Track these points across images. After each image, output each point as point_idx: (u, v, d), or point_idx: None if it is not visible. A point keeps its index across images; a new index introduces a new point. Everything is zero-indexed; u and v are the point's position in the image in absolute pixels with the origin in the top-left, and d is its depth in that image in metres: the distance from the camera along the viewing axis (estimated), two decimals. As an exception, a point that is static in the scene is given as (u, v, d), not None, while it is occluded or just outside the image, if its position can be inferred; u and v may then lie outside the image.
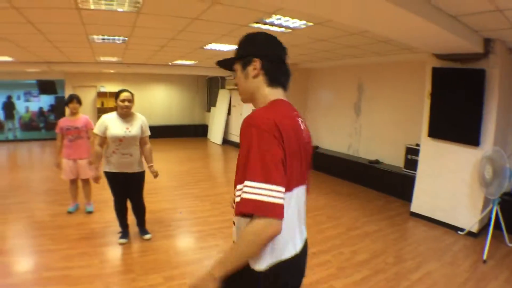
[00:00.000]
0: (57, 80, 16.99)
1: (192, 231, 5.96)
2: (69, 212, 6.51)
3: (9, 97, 18.92)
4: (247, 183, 1.55)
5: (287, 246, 1.75)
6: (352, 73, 9.77)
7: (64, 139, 6.24)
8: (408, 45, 5.97)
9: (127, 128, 4.91)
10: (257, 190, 1.52)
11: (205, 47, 8.25)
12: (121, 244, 5.30)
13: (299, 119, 1.87)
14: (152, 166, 5.21)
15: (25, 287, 4.12)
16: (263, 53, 1.85)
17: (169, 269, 4.61)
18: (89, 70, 14.37)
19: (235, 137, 15.16)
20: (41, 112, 20.77)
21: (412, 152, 7.71)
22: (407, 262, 4.96)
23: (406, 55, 7.63)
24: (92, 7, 4.70)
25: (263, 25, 5.76)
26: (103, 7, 4.76)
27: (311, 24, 5.57)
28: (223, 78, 15.85)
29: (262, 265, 1.70)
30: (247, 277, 1.72)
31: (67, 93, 16.42)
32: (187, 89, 18.27)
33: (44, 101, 21.17)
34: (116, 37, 7.13)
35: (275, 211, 1.52)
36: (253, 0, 4.42)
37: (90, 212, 6.56)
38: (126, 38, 7.16)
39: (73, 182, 6.51)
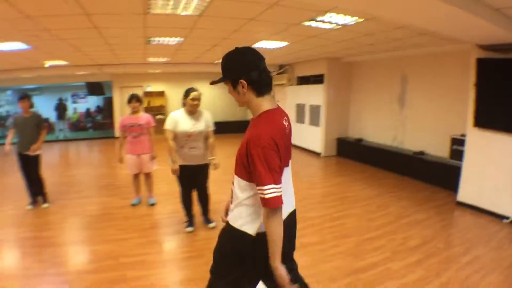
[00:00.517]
0: (104, 81, 17.53)
1: (253, 220, 6.20)
2: (133, 205, 6.94)
3: (61, 99, 19.65)
4: (265, 186, 2.17)
5: (285, 209, 2.33)
6: (395, 66, 9.77)
7: (127, 136, 6.62)
8: (452, 37, 6.07)
9: (194, 124, 5.25)
10: (273, 191, 2.16)
11: (253, 45, 8.46)
12: (188, 232, 5.66)
13: (284, 119, 2.45)
14: (214, 158, 5.50)
15: (107, 272, 4.49)
16: (247, 73, 2.28)
17: None
18: (135, 71, 14.83)
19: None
20: (88, 113, 21.50)
21: (457, 143, 7.71)
22: (456, 247, 5.11)
23: (449, 46, 7.65)
24: (158, 11, 5.02)
25: (314, 23, 5.94)
26: (168, 11, 5.05)
27: (361, 20, 5.70)
28: (266, 73, 15.87)
29: (260, 230, 2.37)
30: (251, 242, 2.40)
31: (115, 94, 17.02)
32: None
33: (91, 103, 21.89)
34: (172, 39, 7.44)
35: (281, 201, 2.19)
36: (310, 0, 4.62)
37: (152, 204, 6.95)
38: (182, 39, 7.46)
39: (136, 176, 6.92)
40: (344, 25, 6.14)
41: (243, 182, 2.37)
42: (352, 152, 11.29)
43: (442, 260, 4.70)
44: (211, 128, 5.48)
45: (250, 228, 2.39)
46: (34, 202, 7.03)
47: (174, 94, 17.35)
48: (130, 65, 13.03)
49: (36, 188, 6.94)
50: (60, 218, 6.36)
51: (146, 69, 13.99)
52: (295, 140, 13.58)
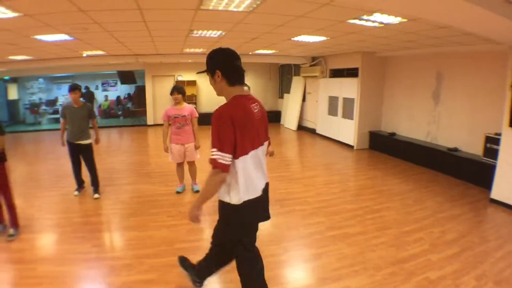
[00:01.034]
0: (136, 70, 17.74)
1: (296, 210, 6.40)
2: (178, 192, 7.20)
3: (87, 88, 20.11)
4: (212, 149, 2.74)
5: (257, 188, 3.03)
6: (431, 62, 9.69)
7: (171, 126, 6.84)
8: (489, 38, 6.04)
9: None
10: (215, 154, 2.72)
11: (293, 39, 8.54)
12: None
13: (253, 105, 3.01)
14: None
15: (164, 257, 4.71)
16: (221, 65, 2.91)
17: (285, 242, 5.19)
18: (169, 61, 14.95)
19: (310, 123, 15.36)
20: (118, 100, 21.79)
21: (491, 141, 7.66)
22: (491, 242, 5.21)
23: (486, 45, 7.59)
24: (210, 8, 5.13)
25: (359, 21, 5.99)
26: (221, 8, 5.16)
27: (405, 20, 5.73)
28: (297, 66, 15.90)
29: (237, 201, 2.92)
30: (230, 209, 2.97)
31: (147, 83, 17.25)
32: (260, 76, 18.62)
33: (121, 90, 22.16)
34: (215, 32, 7.54)
35: (222, 167, 2.73)
36: (359, 1, 4.70)
37: (197, 191, 7.16)
38: (224, 33, 7.56)
39: (180, 165, 7.16)
40: (387, 24, 6.16)
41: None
42: (384, 146, 11.30)
43: (477, 254, 4.85)
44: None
45: (227, 197, 2.98)
46: (80, 189, 7.29)
47: (205, 83, 17.48)
48: (166, 55, 13.17)
49: (91, 177, 7.13)
50: (108, 204, 6.61)
51: (180, 59, 14.09)
52: (326, 132, 13.70)
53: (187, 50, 11.45)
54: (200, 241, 5.18)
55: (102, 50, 11.02)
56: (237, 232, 3.14)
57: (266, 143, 3.24)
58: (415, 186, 7.86)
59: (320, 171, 9.31)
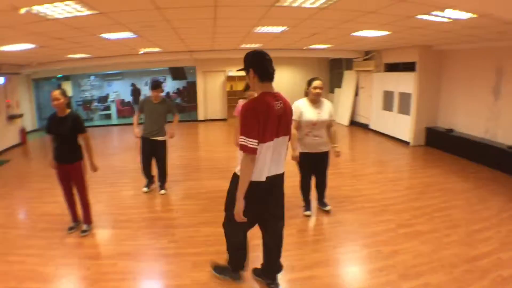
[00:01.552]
0: (187, 66, 17.93)
1: (365, 207, 6.40)
2: None
3: (134, 84, 20.61)
4: (241, 136, 3.20)
5: (261, 174, 3.44)
6: (491, 56, 9.34)
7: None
8: None
9: (319, 113, 5.47)
10: (243, 141, 3.20)
11: (353, 34, 8.44)
12: (307, 216, 5.97)
13: (276, 102, 3.40)
14: (336, 146, 5.70)
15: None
16: (255, 65, 3.40)
17: (360, 239, 5.23)
18: (223, 57, 14.95)
19: (363, 118, 15.17)
20: (168, 96, 22.09)
21: None
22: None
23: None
24: (285, 4, 5.11)
25: (428, 16, 5.86)
26: (296, 4, 5.14)
27: (475, 16, 5.58)
28: (349, 60, 15.67)
29: (253, 179, 3.38)
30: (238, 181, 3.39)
31: (198, 79, 17.40)
32: (310, 70, 18.31)
33: (170, 86, 22.47)
34: (279, 28, 7.53)
35: (250, 151, 3.20)
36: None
37: None
38: (287, 28, 7.54)
39: None
40: (456, 20, 6.01)
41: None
42: (441, 142, 11.02)
43: (550, 253, 4.71)
44: (333, 117, 5.66)
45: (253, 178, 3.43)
46: (150, 185, 7.43)
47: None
48: (221, 51, 13.34)
49: (160, 173, 7.27)
50: (176, 200, 6.77)
51: (232, 55, 14.14)
52: (381, 127, 13.52)
53: (243, 45, 11.48)
54: None
55: (159, 47, 11.20)
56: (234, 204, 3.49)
57: (285, 137, 3.62)
58: (476, 184, 7.68)
59: (381, 167, 9.25)
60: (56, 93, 5.10)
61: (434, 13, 5.59)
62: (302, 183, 6.01)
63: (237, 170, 3.56)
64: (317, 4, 5.14)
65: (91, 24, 6.05)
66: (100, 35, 7.44)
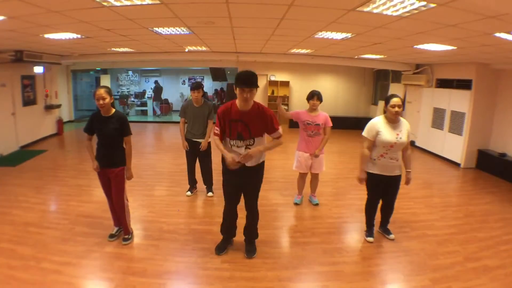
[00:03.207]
0: (227, 68, 17.72)
1: (428, 235, 5.97)
2: (296, 204, 6.92)
3: (156, 82, 20.88)
4: (278, 127, 4.58)
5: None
6: None
7: (301, 131, 6.56)
8: None
9: (398, 134, 5.01)
10: (280, 131, 4.64)
11: (415, 46, 7.94)
12: (369, 242, 5.54)
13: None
14: (409, 172, 5.23)
15: (305, 281, 4.46)
16: (256, 85, 4.40)
17: (429, 272, 4.75)
18: (264, 60, 14.63)
19: (410, 135, 14.50)
20: (205, 96, 21.94)
21: None
22: None
23: None
24: (366, 10, 4.68)
25: (506, 35, 5.46)
26: (376, 10, 4.72)
27: None
28: (397, 72, 15.09)
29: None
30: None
31: (240, 81, 17.11)
32: (354, 80, 18.06)
33: (208, 87, 22.37)
34: (343, 34, 7.08)
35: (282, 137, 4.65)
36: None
37: (316, 204, 6.93)
38: (350, 36, 7.11)
39: (303, 175, 6.85)
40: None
41: (262, 139, 4.58)
42: (493, 166, 10.38)
43: None
44: (409, 139, 5.20)
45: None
46: (193, 189, 7.31)
47: (298, 84, 17.26)
48: (267, 55, 13.02)
49: (205, 175, 7.22)
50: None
51: (278, 59, 13.81)
52: (428, 146, 13.00)
53: (294, 50, 11.09)
54: (340, 264, 4.85)
55: (207, 47, 10.89)
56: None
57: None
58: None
59: (434, 190, 8.76)
60: (102, 91, 4.79)
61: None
62: (368, 206, 5.60)
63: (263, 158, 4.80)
64: (400, 12, 4.69)
65: (147, 15, 5.74)
66: (152, 28, 7.13)
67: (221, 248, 5.03)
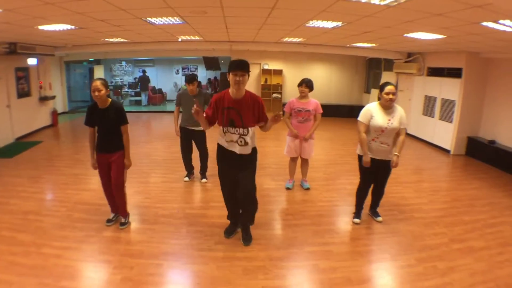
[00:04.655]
0: (221, 57, 17.75)
1: (415, 217, 6.16)
2: (287, 188, 7.12)
3: (144, 71, 21.07)
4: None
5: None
6: None
7: (292, 119, 6.74)
8: None
9: (389, 120, 5.19)
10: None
11: (406, 35, 8.04)
12: (356, 223, 5.77)
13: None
14: (397, 155, 5.36)
15: (295, 261, 4.63)
16: (248, 70, 4.45)
17: (415, 252, 4.94)
18: (257, 49, 14.80)
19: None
20: (199, 86, 21.99)
21: None
22: None
23: None
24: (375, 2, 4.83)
25: (493, 24, 5.54)
26: (363, 0, 4.84)
27: None
28: (388, 61, 15.19)
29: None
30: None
31: (232, 69, 17.17)
32: (346, 69, 18.19)
33: (201, 76, 22.39)
34: (334, 23, 7.16)
35: None
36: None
37: (307, 189, 7.11)
38: (341, 24, 7.18)
39: (294, 159, 7.08)
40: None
41: (254, 128, 4.72)
42: (482, 153, 10.59)
43: None
44: (404, 125, 5.33)
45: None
46: (190, 175, 7.48)
47: (291, 73, 17.33)
48: (260, 43, 13.03)
49: (203, 161, 7.40)
50: (219, 196, 6.18)
51: (271, 48, 13.90)
52: (419, 133, 13.20)
53: (286, 39, 11.19)
54: (330, 244, 5.03)
55: (200, 36, 10.93)
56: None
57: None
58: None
59: (424, 176, 8.98)
60: (98, 83, 4.88)
61: (501, 21, 5.28)
62: (360, 190, 5.81)
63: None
64: (386, 1, 4.80)
65: (140, 5, 5.80)
66: (146, 18, 7.15)
67: (230, 232, 5.22)
